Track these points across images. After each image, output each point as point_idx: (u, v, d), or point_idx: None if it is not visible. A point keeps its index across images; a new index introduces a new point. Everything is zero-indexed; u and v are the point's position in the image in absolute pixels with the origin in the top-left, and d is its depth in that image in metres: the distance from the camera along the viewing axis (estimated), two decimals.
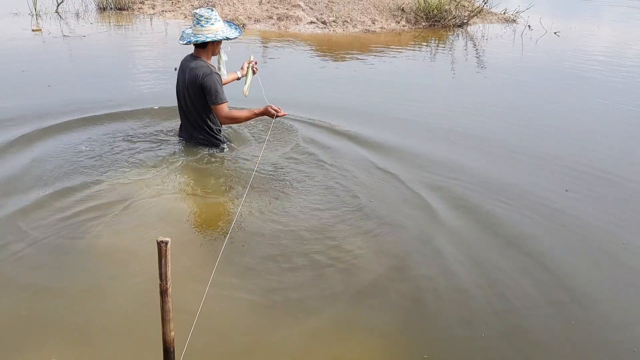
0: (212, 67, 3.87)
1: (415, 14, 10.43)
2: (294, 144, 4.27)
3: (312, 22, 9.93)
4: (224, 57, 4.04)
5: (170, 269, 1.79)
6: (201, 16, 3.75)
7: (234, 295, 2.58)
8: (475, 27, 10.51)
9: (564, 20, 11.35)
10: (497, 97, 6.01)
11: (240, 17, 10.01)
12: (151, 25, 9.63)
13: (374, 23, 10.16)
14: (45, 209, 3.21)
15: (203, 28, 3.76)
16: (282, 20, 9.93)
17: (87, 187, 3.46)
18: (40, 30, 8.66)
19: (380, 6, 10.68)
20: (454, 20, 10.39)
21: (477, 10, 10.73)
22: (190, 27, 3.87)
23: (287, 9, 10.36)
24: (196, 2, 10.91)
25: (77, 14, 10.15)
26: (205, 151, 3.97)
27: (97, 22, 9.72)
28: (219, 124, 4.03)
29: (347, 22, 10.04)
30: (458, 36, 9.78)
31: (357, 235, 3.10)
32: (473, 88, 6.37)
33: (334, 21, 10.02)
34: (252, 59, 4.37)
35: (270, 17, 10.06)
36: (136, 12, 10.64)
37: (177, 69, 4.56)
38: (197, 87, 3.80)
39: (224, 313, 2.48)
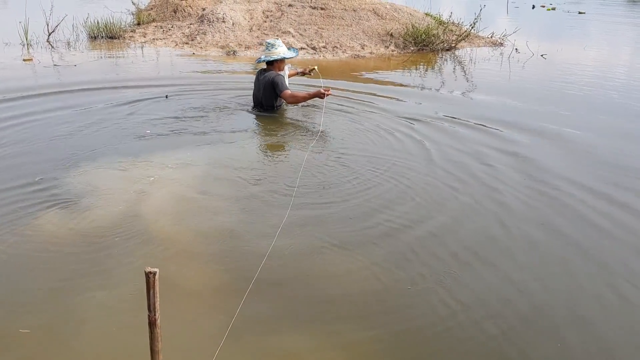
0: (279, 73, 5.94)
1: (404, 39, 10.56)
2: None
3: (302, 48, 10.03)
4: (286, 70, 6.17)
5: (158, 299, 1.78)
6: (270, 44, 5.98)
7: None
8: (463, 51, 10.65)
9: (550, 42, 11.53)
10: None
11: (230, 44, 10.11)
12: (142, 53, 9.69)
13: (363, 48, 10.28)
14: None
15: (270, 52, 5.95)
16: None
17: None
18: (32, 59, 8.70)
19: (369, 32, 10.82)
20: (442, 44, 10.53)
21: (464, 34, 10.88)
22: (263, 52, 6.06)
23: (277, 35, 10.46)
24: (187, 30, 11.01)
25: (69, 43, 10.21)
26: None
27: (89, 50, 9.77)
28: (280, 105, 6.07)
29: (337, 47, 10.16)
30: (446, 60, 9.90)
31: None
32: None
33: (323, 47, 10.13)
34: (316, 69, 6.41)
35: (261, 44, 10.14)
36: (127, 41, 10.72)
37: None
38: (270, 84, 5.86)
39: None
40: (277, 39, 6.05)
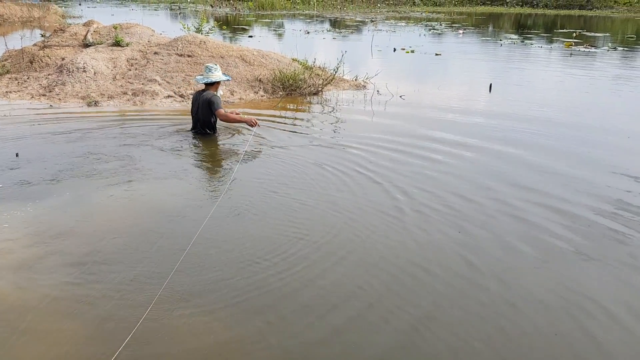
0: (215, 94, 7.06)
1: (272, 84, 10.82)
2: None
3: (169, 96, 9.91)
4: (220, 92, 7.30)
5: None
6: (209, 68, 7.10)
7: None
8: (330, 94, 11.10)
9: (408, 84, 12.35)
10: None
11: (92, 94, 9.73)
12: None
13: (232, 94, 10.37)
14: None
15: (211, 74, 7.08)
16: (138, 95, 9.80)
17: None
18: None
19: (238, 78, 10.96)
20: (309, 88, 10.91)
21: (330, 78, 11.37)
22: (202, 74, 7.19)
23: (142, 84, 10.27)
24: (44, 81, 10.45)
25: None
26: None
27: None
28: (215, 123, 7.18)
29: None
30: (314, 103, 10.25)
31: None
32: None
33: (192, 94, 10.07)
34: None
35: (125, 93, 9.88)
36: None
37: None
38: (207, 103, 6.92)
39: None
40: (215, 64, 7.26)
